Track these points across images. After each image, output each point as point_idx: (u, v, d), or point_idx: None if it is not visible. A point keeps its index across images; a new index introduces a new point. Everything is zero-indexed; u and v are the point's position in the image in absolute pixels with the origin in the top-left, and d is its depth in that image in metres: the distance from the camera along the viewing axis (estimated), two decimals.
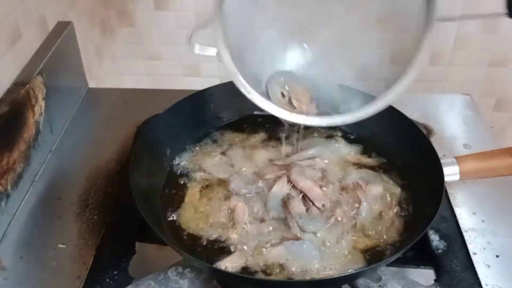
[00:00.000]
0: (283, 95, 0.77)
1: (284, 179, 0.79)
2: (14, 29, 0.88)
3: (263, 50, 0.75)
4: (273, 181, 0.80)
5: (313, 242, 0.71)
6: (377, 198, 0.78)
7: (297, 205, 0.75)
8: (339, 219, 0.74)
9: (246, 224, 0.74)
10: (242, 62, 0.70)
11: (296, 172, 0.80)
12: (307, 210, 0.75)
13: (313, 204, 0.76)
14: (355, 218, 0.75)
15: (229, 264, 0.68)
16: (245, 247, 0.71)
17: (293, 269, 0.68)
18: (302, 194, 0.77)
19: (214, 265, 0.68)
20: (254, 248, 0.71)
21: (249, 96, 0.71)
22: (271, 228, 0.74)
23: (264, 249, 0.71)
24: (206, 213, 0.77)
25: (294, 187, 0.78)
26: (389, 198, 0.78)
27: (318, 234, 0.72)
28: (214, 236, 0.73)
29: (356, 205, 0.77)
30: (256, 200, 0.78)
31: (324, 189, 0.79)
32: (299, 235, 0.72)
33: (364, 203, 0.76)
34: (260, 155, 0.86)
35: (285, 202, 0.76)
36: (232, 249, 0.71)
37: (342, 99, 0.75)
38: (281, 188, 0.78)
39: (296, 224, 0.73)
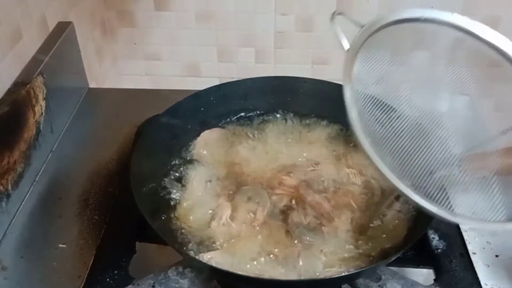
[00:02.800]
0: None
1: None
2: (14, 29, 0.88)
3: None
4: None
5: (311, 249, 0.71)
6: (377, 197, 0.78)
7: (296, 215, 0.74)
8: (338, 219, 0.74)
9: (226, 222, 0.73)
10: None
11: (304, 186, 0.78)
12: (305, 220, 0.74)
13: (319, 218, 0.74)
14: (354, 217, 0.75)
15: (212, 258, 0.68)
16: (232, 246, 0.71)
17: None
18: (298, 204, 0.76)
19: (197, 257, 0.68)
20: (240, 249, 0.71)
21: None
22: (264, 233, 0.73)
23: (252, 257, 0.70)
24: (206, 212, 0.77)
25: (296, 199, 0.77)
26: (389, 198, 0.78)
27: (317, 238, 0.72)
28: (214, 235, 0.73)
29: (355, 204, 0.77)
30: (252, 204, 0.77)
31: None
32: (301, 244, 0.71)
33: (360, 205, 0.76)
34: (260, 155, 0.86)
35: (284, 211, 0.76)
36: (219, 246, 0.71)
37: None
38: (281, 198, 0.78)
39: (298, 234, 0.72)
